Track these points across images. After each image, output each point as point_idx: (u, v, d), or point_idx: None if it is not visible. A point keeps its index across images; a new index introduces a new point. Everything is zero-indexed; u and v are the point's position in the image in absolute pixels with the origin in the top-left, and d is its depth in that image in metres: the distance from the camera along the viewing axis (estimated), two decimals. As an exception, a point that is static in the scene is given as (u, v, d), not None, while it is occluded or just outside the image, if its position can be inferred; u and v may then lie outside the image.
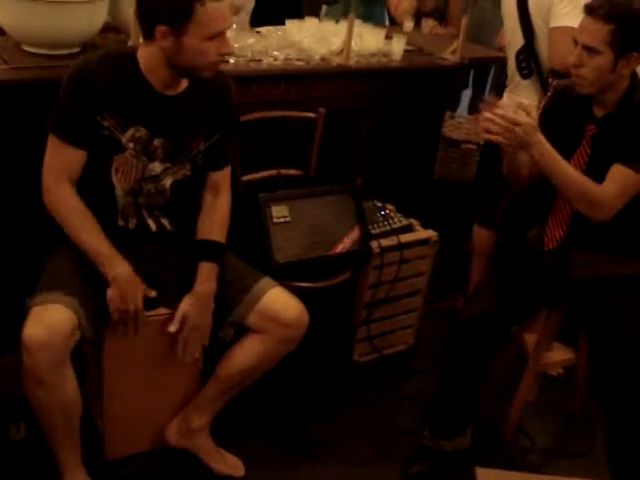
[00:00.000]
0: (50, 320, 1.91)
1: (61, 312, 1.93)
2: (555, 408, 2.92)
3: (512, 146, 2.15)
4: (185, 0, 1.88)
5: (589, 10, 2.14)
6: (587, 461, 2.63)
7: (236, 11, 3.11)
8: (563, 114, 2.34)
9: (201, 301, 2.15)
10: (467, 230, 3.34)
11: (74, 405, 2.05)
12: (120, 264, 2.04)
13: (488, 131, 2.12)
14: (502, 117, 2.09)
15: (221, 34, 1.97)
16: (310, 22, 3.03)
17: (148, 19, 1.95)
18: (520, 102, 2.17)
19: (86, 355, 2.16)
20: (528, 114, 2.11)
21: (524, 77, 3.01)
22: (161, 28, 1.92)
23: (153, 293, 2.13)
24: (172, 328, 2.14)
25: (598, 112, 2.27)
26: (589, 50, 2.13)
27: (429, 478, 2.50)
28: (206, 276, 2.16)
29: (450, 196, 4.00)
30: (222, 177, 2.27)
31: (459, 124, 4.21)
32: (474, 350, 2.35)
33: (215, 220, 2.25)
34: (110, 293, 2.03)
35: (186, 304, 2.14)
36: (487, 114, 2.11)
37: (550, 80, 2.85)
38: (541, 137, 2.14)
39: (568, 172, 2.19)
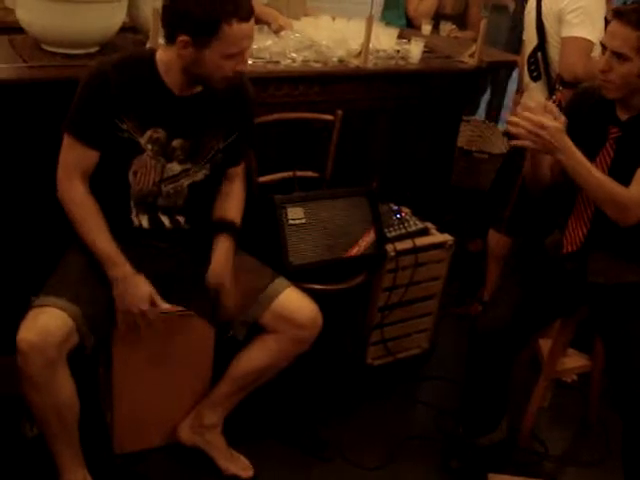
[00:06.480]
0: (43, 323, 1.91)
1: (55, 316, 1.92)
2: (569, 415, 2.90)
3: (539, 150, 2.13)
4: (213, 19, 1.87)
5: (619, 14, 2.12)
6: (601, 468, 2.61)
7: None
8: (585, 116, 2.31)
9: (221, 267, 2.15)
10: (475, 232, 3.33)
11: (69, 408, 2.04)
12: (119, 265, 2.04)
13: (515, 136, 2.09)
14: (528, 120, 2.06)
15: (241, 53, 1.97)
16: (325, 20, 3.03)
17: (172, 26, 1.95)
18: (546, 104, 2.14)
19: (96, 352, 2.16)
20: (555, 118, 2.09)
21: (534, 80, 3.03)
22: (183, 38, 1.91)
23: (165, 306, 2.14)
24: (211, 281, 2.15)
25: (622, 115, 2.25)
26: (618, 56, 2.12)
27: (467, 473, 2.50)
28: (222, 246, 2.17)
29: (466, 200, 3.99)
30: (237, 169, 2.30)
31: (473, 130, 4.19)
32: (496, 360, 2.34)
33: (230, 203, 2.27)
34: (114, 293, 2.05)
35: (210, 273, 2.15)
36: (512, 118, 2.08)
37: (557, 86, 2.85)
38: (569, 141, 2.10)
39: (596, 176, 2.15)
